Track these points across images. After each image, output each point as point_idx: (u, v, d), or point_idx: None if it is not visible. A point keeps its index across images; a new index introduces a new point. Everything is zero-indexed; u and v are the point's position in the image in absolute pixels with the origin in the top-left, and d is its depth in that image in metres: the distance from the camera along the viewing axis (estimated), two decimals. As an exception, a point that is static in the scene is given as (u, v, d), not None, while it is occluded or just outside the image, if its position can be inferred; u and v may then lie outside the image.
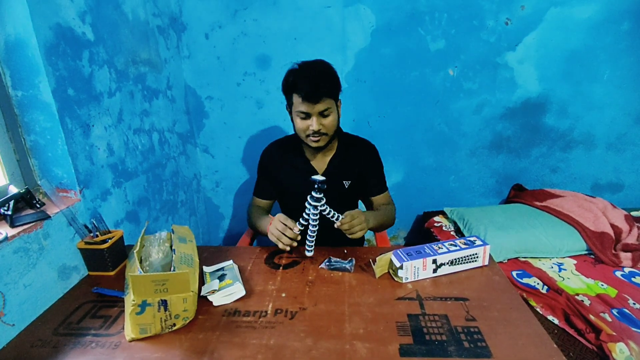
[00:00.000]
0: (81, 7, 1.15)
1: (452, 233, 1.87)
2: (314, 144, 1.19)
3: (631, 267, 1.54)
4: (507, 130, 2.02)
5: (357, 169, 1.31)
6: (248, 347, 0.79)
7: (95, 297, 0.99)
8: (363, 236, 1.50)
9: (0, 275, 0.84)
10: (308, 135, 1.17)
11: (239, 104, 2.00)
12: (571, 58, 1.86)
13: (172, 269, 0.89)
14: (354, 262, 1.06)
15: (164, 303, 0.80)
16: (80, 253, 1.07)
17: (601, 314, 1.26)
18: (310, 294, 0.95)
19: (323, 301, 0.93)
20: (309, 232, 1.06)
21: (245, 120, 2.03)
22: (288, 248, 1.09)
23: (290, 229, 1.06)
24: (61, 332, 0.86)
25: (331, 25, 1.84)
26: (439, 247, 1.03)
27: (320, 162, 1.30)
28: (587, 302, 1.33)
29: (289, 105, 1.20)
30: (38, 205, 1.01)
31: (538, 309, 1.35)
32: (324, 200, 1.01)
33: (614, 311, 1.28)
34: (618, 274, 1.50)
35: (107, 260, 1.07)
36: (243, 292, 0.95)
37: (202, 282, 1.00)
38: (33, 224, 0.94)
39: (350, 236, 1.08)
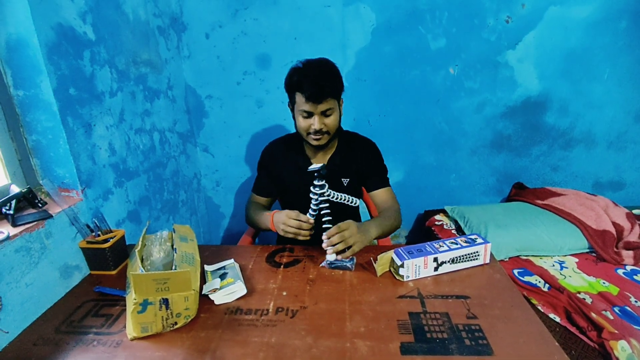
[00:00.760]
0: (82, 7, 1.15)
1: (453, 231, 1.87)
2: (315, 143, 1.19)
3: (633, 265, 1.53)
4: (507, 129, 2.01)
5: (357, 167, 1.31)
6: (250, 346, 0.79)
7: (97, 296, 0.99)
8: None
9: (2, 274, 0.85)
10: (309, 134, 1.18)
11: (239, 104, 2.00)
12: (570, 56, 1.86)
13: (173, 267, 0.89)
14: (354, 260, 1.06)
15: (165, 302, 0.81)
16: (82, 252, 1.08)
17: (603, 312, 1.26)
18: (311, 293, 0.96)
19: (324, 300, 0.93)
20: (323, 226, 1.05)
21: (245, 120, 2.03)
22: (308, 238, 1.09)
23: (305, 222, 1.07)
24: (63, 331, 0.86)
25: (331, 24, 1.84)
26: (440, 245, 1.03)
27: (321, 160, 1.31)
28: (588, 300, 1.33)
29: (292, 103, 1.21)
30: (40, 205, 1.01)
31: (539, 307, 1.35)
32: (327, 186, 1.02)
33: (616, 309, 1.28)
34: (620, 271, 1.50)
35: (108, 259, 1.07)
36: (244, 291, 0.95)
37: (203, 280, 1.00)
38: (35, 223, 0.95)
39: (348, 252, 1.04)
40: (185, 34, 1.88)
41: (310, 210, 1.07)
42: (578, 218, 1.70)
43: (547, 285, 1.45)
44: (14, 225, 0.92)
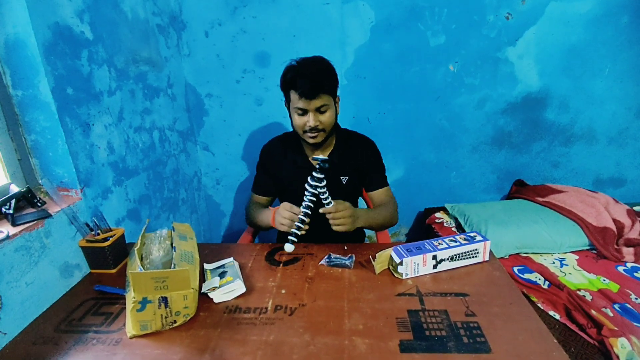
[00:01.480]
0: (79, 6, 1.15)
1: (453, 229, 1.87)
2: (311, 140, 1.19)
3: (633, 262, 1.53)
4: (508, 125, 2.01)
5: (356, 165, 1.31)
6: (249, 344, 0.79)
7: (97, 294, 1.00)
8: (364, 232, 1.51)
9: (2, 273, 0.85)
10: (305, 132, 1.18)
11: (239, 102, 2.00)
12: (571, 52, 1.85)
13: (172, 266, 0.89)
14: (353, 258, 1.07)
15: (164, 300, 0.81)
16: (82, 251, 1.08)
17: (603, 309, 1.26)
18: (310, 291, 0.96)
19: (322, 297, 0.93)
20: (299, 217, 1.08)
21: (245, 118, 2.03)
22: (304, 232, 1.10)
23: (296, 214, 1.09)
24: (63, 329, 0.87)
25: (330, 21, 1.83)
26: (439, 243, 1.03)
27: None
28: (588, 297, 1.33)
29: (287, 102, 1.21)
30: (39, 204, 1.02)
31: (539, 305, 1.35)
32: (325, 182, 1.02)
33: (616, 306, 1.28)
34: (620, 269, 1.49)
35: (108, 258, 1.08)
36: (243, 289, 0.96)
37: (202, 279, 1.01)
38: (34, 222, 0.95)
39: (333, 227, 1.10)
40: (185, 32, 1.88)
41: (303, 205, 1.08)
42: (578, 215, 1.69)
43: (547, 282, 1.45)
44: (14, 224, 0.92)
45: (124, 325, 0.86)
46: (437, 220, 1.97)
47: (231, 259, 1.10)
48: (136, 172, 1.45)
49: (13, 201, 0.96)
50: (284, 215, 1.10)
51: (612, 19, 1.78)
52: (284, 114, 1.98)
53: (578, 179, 2.09)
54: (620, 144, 2.01)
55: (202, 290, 0.95)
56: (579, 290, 1.38)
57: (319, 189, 1.02)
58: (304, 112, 1.15)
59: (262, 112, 2.01)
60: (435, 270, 1.01)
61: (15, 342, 0.85)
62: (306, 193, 1.05)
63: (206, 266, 1.07)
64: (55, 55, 1.04)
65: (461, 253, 1.02)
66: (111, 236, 1.09)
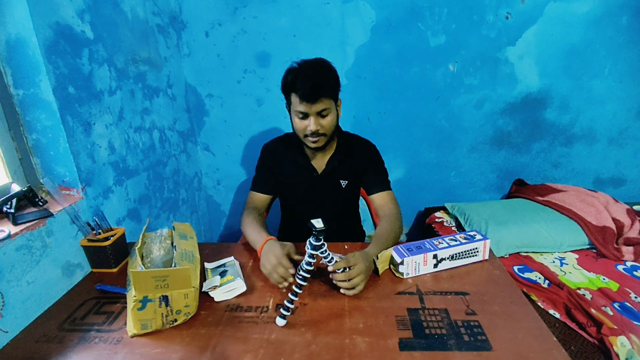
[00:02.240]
0: (80, 6, 1.15)
1: (453, 228, 1.87)
2: (312, 145, 1.17)
3: (633, 261, 1.54)
4: (508, 125, 2.01)
5: (356, 169, 1.29)
6: (250, 342, 0.79)
7: (99, 293, 1.00)
8: (364, 232, 1.51)
9: (4, 272, 0.85)
10: (306, 136, 1.15)
11: (239, 102, 2.00)
12: (571, 53, 1.86)
13: (173, 265, 0.89)
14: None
15: (165, 299, 0.81)
16: (84, 250, 1.08)
17: (603, 308, 1.26)
18: (310, 290, 0.96)
19: (323, 296, 0.93)
20: (292, 289, 0.86)
21: (246, 118, 2.03)
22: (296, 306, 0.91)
23: (286, 278, 0.93)
24: (66, 328, 0.87)
25: (330, 21, 1.84)
26: (440, 242, 1.03)
27: (320, 161, 1.29)
28: (588, 296, 1.33)
29: (288, 105, 1.18)
30: (41, 204, 1.02)
31: (539, 303, 1.35)
32: (325, 247, 0.88)
33: (616, 305, 1.28)
34: (620, 267, 1.50)
35: (109, 257, 1.08)
36: (244, 288, 0.96)
37: (203, 278, 1.01)
38: (36, 221, 0.95)
39: (347, 294, 0.92)
40: (185, 32, 1.88)
41: (298, 274, 0.89)
42: (578, 214, 1.70)
43: (547, 281, 1.45)
44: (15, 223, 0.92)
45: (125, 324, 0.87)
46: (437, 220, 1.97)
47: (232, 258, 1.10)
48: (136, 172, 1.45)
49: (14, 200, 0.96)
50: (275, 269, 0.93)
51: (612, 19, 1.79)
52: (284, 115, 1.97)
53: (578, 178, 2.10)
54: (621, 144, 2.01)
55: (203, 289, 0.95)
56: (579, 289, 1.38)
57: (320, 254, 0.89)
58: (305, 115, 1.12)
59: (263, 112, 2.02)
60: (435, 270, 1.01)
61: (18, 340, 0.85)
62: (303, 264, 0.87)
63: (207, 265, 1.07)
64: (57, 54, 1.04)
65: (461, 252, 1.02)
66: (112, 235, 1.09)
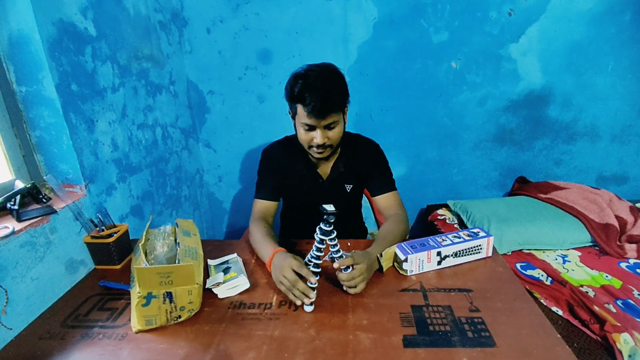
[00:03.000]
0: (83, 3, 1.15)
1: (455, 226, 1.87)
2: (317, 155, 1.12)
3: (636, 259, 1.53)
4: (510, 122, 2.01)
5: (360, 171, 1.26)
6: (253, 339, 0.79)
7: (102, 290, 1.00)
8: (366, 229, 1.51)
9: (8, 268, 0.85)
10: (311, 147, 1.11)
11: (241, 99, 2.00)
12: (574, 49, 1.85)
13: (176, 261, 0.89)
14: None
15: (169, 295, 0.81)
16: (87, 247, 1.09)
17: (606, 305, 1.26)
18: (316, 288, 0.96)
19: (326, 293, 0.93)
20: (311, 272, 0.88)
21: (247, 115, 2.03)
22: (303, 302, 0.88)
23: (305, 278, 0.88)
24: (69, 324, 0.87)
25: (333, 18, 1.83)
26: (443, 240, 1.03)
27: (325, 167, 1.25)
28: (591, 294, 1.33)
29: (292, 113, 1.11)
30: (44, 200, 1.02)
31: (542, 301, 1.35)
32: (335, 234, 0.88)
33: (619, 302, 1.28)
34: (623, 265, 1.49)
35: (113, 254, 1.08)
36: (247, 285, 0.96)
37: (207, 275, 1.01)
38: (39, 218, 0.95)
39: (350, 291, 0.92)
40: (187, 29, 1.88)
41: (312, 264, 0.90)
42: (581, 212, 1.69)
43: (549, 278, 1.45)
44: (19, 220, 0.93)
45: (129, 320, 0.87)
46: (439, 217, 1.97)
47: (235, 254, 1.10)
48: (139, 169, 1.45)
49: (18, 197, 0.96)
50: (287, 277, 0.89)
51: (615, 16, 1.78)
52: (286, 111, 1.97)
53: (581, 176, 2.09)
54: (624, 141, 2.00)
55: (207, 286, 0.95)
56: (582, 286, 1.38)
57: (329, 241, 0.89)
58: (312, 128, 1.06)
59: (264, 109, 2.01)
60: (439, 267, 1.01)
61: (22, 337, 0.85)
62: (313, 251, 0.88)
63: (210, 262, 1.07)
64: (60, 51, 1.04)
65: (465, 249, 1.02)
66: (115, 232, 1.10)
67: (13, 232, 0.88)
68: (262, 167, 1.28)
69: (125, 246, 1.13)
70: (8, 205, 0.95)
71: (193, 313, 0.87)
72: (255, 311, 0.88)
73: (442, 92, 1.96)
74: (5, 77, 1.00)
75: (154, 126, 1.59)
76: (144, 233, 0.98)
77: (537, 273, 1.48)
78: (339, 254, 0.92)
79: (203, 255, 1.00)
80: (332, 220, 0.85)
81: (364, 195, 1.48)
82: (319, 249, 0.87)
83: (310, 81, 1.01)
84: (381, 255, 1.00)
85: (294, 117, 1.12)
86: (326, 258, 1.06)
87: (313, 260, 0.88)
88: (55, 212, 0.99)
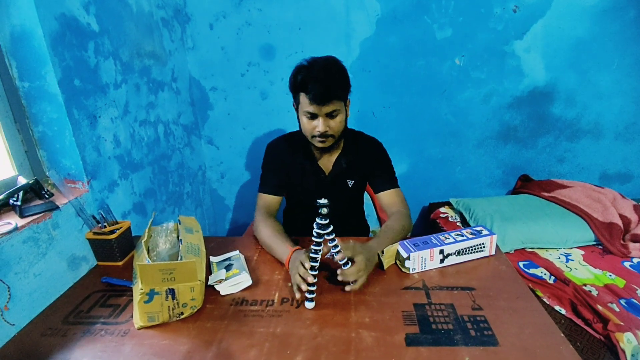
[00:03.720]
0: (85, -2, 1.14)
1: (458, 224, 1.87)
2: (319, 145, 1.14)
3: (640, 258, 1.53)
4: (514, 120, 2.00)
5: (363, 168, 1.26)
6: (255, 336, 0.79)
7: (104, 286, 1.00)
8: (368, 227, 1.50)
9: (11, 264, 0.85)
10: (314, 136, 1.12)
11: (243, 95, 1.99)
12: (578, 46, 1.83)
13: (179, 258, 0.89)
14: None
15: (171, 292, 0.81)
16: (89, 243, 1.09)
17: (609, 304, 1.26)
18: (316, 283, 0.95)
19: (328, 290, 0.93)
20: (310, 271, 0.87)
21: (250, 111, 2.03)
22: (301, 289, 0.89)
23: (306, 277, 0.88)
24: (71, 321, 0.87)
25: (335, 14, 1.82)
26: (446, 238, 1.03)
27: (327, 161, 1.26)
28: (594, 293, 1.33)
29: (296, 104, 1.15)
30: (47, 196, 1.02)
31: (545, 300, 1.35)
32: (331, 227, 0.87)
33: (622, 301, 1.28)
34: (626, 264, 1.49)
35: (115, 250, 1.08)
36: (250, 282, 0.96)
37: (209, 272, 1.01)
38: (42, 214, 0.95)
39: (347, 288, 0.90)
40: (189, 25, 1.87)
41: (310, 254, 0.89)
42: (584, 210, 1.68)
43: (552, 277, 1.44)
44: (22, 216, 0.93)
45: (132, 316, 0.87)
46: (442, 215, 1.97)
47: (237, 251, 1.10)
48: (141, 166, 1.45)
49: (21, 193, 0.96)
50: (299, 272, 0.89)
51: (619, 12, 1.76)
52: (288, 108, 1.96)
53: (584, 174, 2.08)
54: (627, 139, 1.99)
55: (209, 283, 0.95)
56: (585, 285, 1.37)
57: (326, 235, 0.88)
58: (314, 116, 1.09)
59: (267, 105, 2.01)
60: (442, 265, 1.01)
61: (24, 333, 0.85)
62: (311, 247, 0.88)
63: (212, 259, 1.07)
64: (63, 46, 1.03)
65: (468, 247, 1.01)
66: (118, 229, 1.10)
67: (16, 228, 0.88)
68: (266, 161, 1.29)
69: (127, 243, 1.13)
70: (11, 201, 0.95)
71: (195, 310, 0.87)
72: (257, 308, 0.88)
73: (446, 89, 1.95)
74: (8, 73, 1.00)
75: (156, 123, 1.58)
76: (147, 230, 0.98)
77: (540, 272, 1.48)
78: (337, 249, 0.91)
79: (205, 252, 1.00)
80: (325, 213, 0.84)
81: (366, 193, 1.48)
82: (317, 244, 0.87)
83: (313, 70, 1.05)
84: (382, 252, 0.99)
85: (297, 109, 1.15)
86: (327, 256, 1.06)
87: (312, 255, 0.88)
88: (57, 208, 0.99)
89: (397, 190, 1.25)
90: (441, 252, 0.99)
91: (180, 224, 1.03)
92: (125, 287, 0.98)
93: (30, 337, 0.84)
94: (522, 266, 1.52)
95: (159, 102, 1.61)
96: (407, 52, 1.88)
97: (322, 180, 1.26)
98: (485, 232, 1.05)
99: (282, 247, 1.05)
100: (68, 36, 1.06)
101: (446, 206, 2.05)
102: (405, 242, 1.01)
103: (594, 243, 1.63)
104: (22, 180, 1.00)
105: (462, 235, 1.03)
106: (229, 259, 1.06)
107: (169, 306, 0.82)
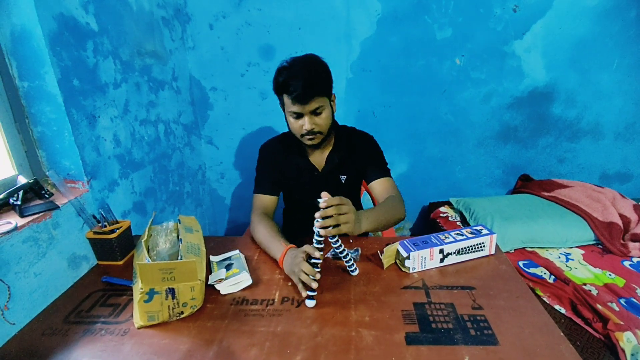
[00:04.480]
0: (84, -3, 1.14)
1: (458, 223, 1.87)
2: (309, 142, 1.16)
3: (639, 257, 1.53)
4: (514, 120, 2.00)
5: (355, 162, 1.27)
6: (256, 335, 0.79)
7: (105, 286, 1.00)
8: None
9: (11, 264, 0.85)
10: (302, 135, 1.14)
11: (243, 95, 1.99)
12: (579, 46, 1.83)
13: (179, 258, 0.89)
14: (359, 251, 1.06)
15: (171, 291, 0.81)
16: (89, 243, 1.09)
17: (609, 304, 1.26)
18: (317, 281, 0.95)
19: (329, 289, 0.93)
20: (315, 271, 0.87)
21: (249, 111, 2.02)
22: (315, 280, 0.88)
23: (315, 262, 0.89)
24: (72, 320, 0.87)
25: (336, 13, 1.82)
26: (446, 237, 1.02)
27: (319, 158, 1.27)
28: (594, 292, 1.33)
29: (282, 105, 1.17)
30: (47, 196, 1.02)
31: (545, 299, 1.35)
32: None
33: (622, 301, 1.28)
34: (626, 263, 1.49)
35: (115, 250, 1.08)
36: (250, 281, 0.96)
37: (209, 271, 1.01)
38: (42, 214, 0.95)
39: (330, 229, 0.87)
40: (190, 25, 1.87)
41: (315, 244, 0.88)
42: (584, 210, 1.69)
43: (552, 276, 1.44)
44: (22, 215, 0.93)
45: (132, 316, 0.87)
46: (442, 215, 1.97)
47: (237, 251, 1.10)
48: (142, 165, 1.45)
49: (21, 192, 0.96)
50: (303, 269, 0.89)
51: (620, 12, 1.76)
52: (288, 108, 1.98)
53: (584, 174, 2.08)
54: (628, 139, 1.99)
55: (209, 282, 0.95)
56: (585, 284, 1.37)
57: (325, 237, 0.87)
58: (299, 115, 1.11)
59: (267, 105, 2.01)
60: (442, 264, 1.01)
61: (24, 333, 0.85)
62: (314, 242, 0.88)
63: (212, 258, 1.07)
64: (61, 46, 1.03)
65: (468, 247, 1.01)
66: (118, 228, 1.10)
67: (16, 228, 0.88)
68: (260, 162, 1.31)
69: (127, 242, 1.13)
70: (11, 200, 0.95)
71: (195, 309, 0.87)
72: (257, 307, 0.88)
73: (446, 89, 1.95)
74: (8, 73, 1.00)
75: (157, 122, 1.58)
76: (147, 229, 0.98)
77: (540, 271, 1.48)
78: (341, 249, 0.92)
79: (205, 251, 1.00)
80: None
81: (366, 192, 1.48)
82: (318, 242, 0.87)
83: (292, 71, 1.07)
84: (382, 252, 0.99)
85: (284, 109, 1.17)
86: (328, 255, 1.07)
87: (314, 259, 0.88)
88: (57, 207, 0.99)
89: (388, 179, 1.27)
90: (441, 251, 0.99)
91: (180, 223, 1.03)
92: (125, 286, 0.99)
93: (31, 336, 0.84)
94: (522, 265, 1.52)
95: (159, 101, 1.61)
96: (407, 51, 1.88)
97: (315, 177, 1.27)
98: (485, 231, 1.05)
99: (276, 245, 1.05)
100: (66, 36, 1.06)
101: (446, 206, 2.05)
102: (405, 241, 1.01)
103: (594, 242, 1.64)
104: (22, 180, 1.00)
105: (462, 235, 1.03)
106: (229, 258, 1.06)
107: (169, 305, 0.82)
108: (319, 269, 0.87)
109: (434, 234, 1.04)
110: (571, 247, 1.63)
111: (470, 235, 1.03)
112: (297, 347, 0.75)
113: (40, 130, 1.07)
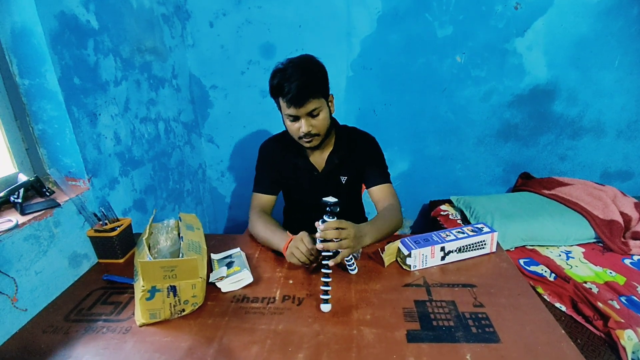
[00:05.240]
0: (85, -5, 1.14)
1: (458, 222, 1.87)
2: (307, 145, 1.14)
3: (640, 255, 1.53)
4: (515, 117, 1.99)
5: (356, 163, 1.26)
6: (257, 333, 0.79)
7: (106, 283, 1.00)
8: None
9: (12, 261, 0.85)
10: (300, 137, 1.13)
11: (243, 94, 1.99)
12: (581, 44, 1.83)
13: (180, 255, 0.89)
14: (360, 250, 1.06)
15: (173, 289, 0.81)
16: (90, 241, 1.09)
17: (609, 302, 1.26)
18: (317, 281, 0.96)
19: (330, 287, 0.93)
20: (322, 276, 0.86)
21: (250, 110, 2.02)
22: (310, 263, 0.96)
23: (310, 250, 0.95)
24: (73, 318, 0.88)
25: (336, 11, 1.82)
26: (447, 235, 1.03)
27: (319, 158, 1.26)
28: (595, 290, 1.33)
29: (279, 108, 1.14)
30: (48, 194, 1.02)
31: (545, 297, 1.35)
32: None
33: (623, 298, 1.28)
34: (627, 261, 1.49)
35: (116, 247, 1.08)
36: (251, 279, 0.96)
37: (210, 269, 1.01)
38: (43, 211, 0.95)
39: (335, 258, 0.89)
40: (190, 22, 1.87)
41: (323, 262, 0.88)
42: (585, 208, 1.68)
43: (553, 274, 1.44)
44: (23, 213, 0.93)
45: (133, 314, 0.87)
46: (442, 213, 1.96)
47: (238, 249, 1.10)
48: (142, 163, 1.45)
49: (22, 190, 0.96)
50: (300, 248, 0.95)
51: (622, 10, 1.76)
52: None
53: (585, 172, 2.08)
54: (629, 137, 1.99)
55: (210, 280, 0.95)
56: (585, 282, 1.37)
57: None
58: (296, 118, 1.09)
59: (267, 104, 1.98)
60: (443, 262, 1.01)
61: (25, 331, 0.85)
62: (317, 245, 0.88)
63: (213, 256, 1.07)
64: (62, 44, 1.03)
65: (469, 244, 1.01)
66: (118, 226, 1.10)
67: (17, 226, 0.88)
68: (260, 162, 1.31)
69: (128, 240, 1.13)
70: (12, 198, 0.95)
71: (197, 307, 0.87)
72: (258, 305, 0.88)
73: (446, 87, 1.95)
74: (9, 70, 1.00)
75: (157, 120, 1.58)
76: (147, 227, 0.98)
77: (541, 269, 1.48)
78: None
79: (206, 249, 1.00)
80: (337, 212, 0.85)
81: (366, 192, 1.47)
82: (324, 241, 0.87)
83: (286, 73, 1.04)
84: (383, 250, 0.99)
85: (281, 112, 1.15)
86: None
87: (323, 254, 0.87)
88: (58, 205, 0.99)
89: (389, 186, 1.25)
90: (442, 249, 0.99)
91: (181, 221, 1.03)
92: (126, 284, 0.99)
93: (32, 334, 0.84)
94: (522, 263, 1.52)
95: (159, 99, 1.60)
96: (408, 49, 1.88)
97: (315, 177, 1.26)
98: (486, 229, 1.05)
99: (279, 235, 1.07)
100: (67, 35, 1.06)
101: (447, 204, 2.04)
102: (406, 239, 1.01)
103: (595, 240, 1.63)
104: (22, 178, 1.00)
105: (463, 233, 1.03)
106: (230, 256, 1.06)
107: (170, 303, 0.82)
108: (329, 279, 0.86)
109: (435, 232, 1.04)
110: (572, 245, 1.63)
111: (471, 233, 1.03)
112: (299, 345, 0.75)
113: (41, 128, 1.07)
